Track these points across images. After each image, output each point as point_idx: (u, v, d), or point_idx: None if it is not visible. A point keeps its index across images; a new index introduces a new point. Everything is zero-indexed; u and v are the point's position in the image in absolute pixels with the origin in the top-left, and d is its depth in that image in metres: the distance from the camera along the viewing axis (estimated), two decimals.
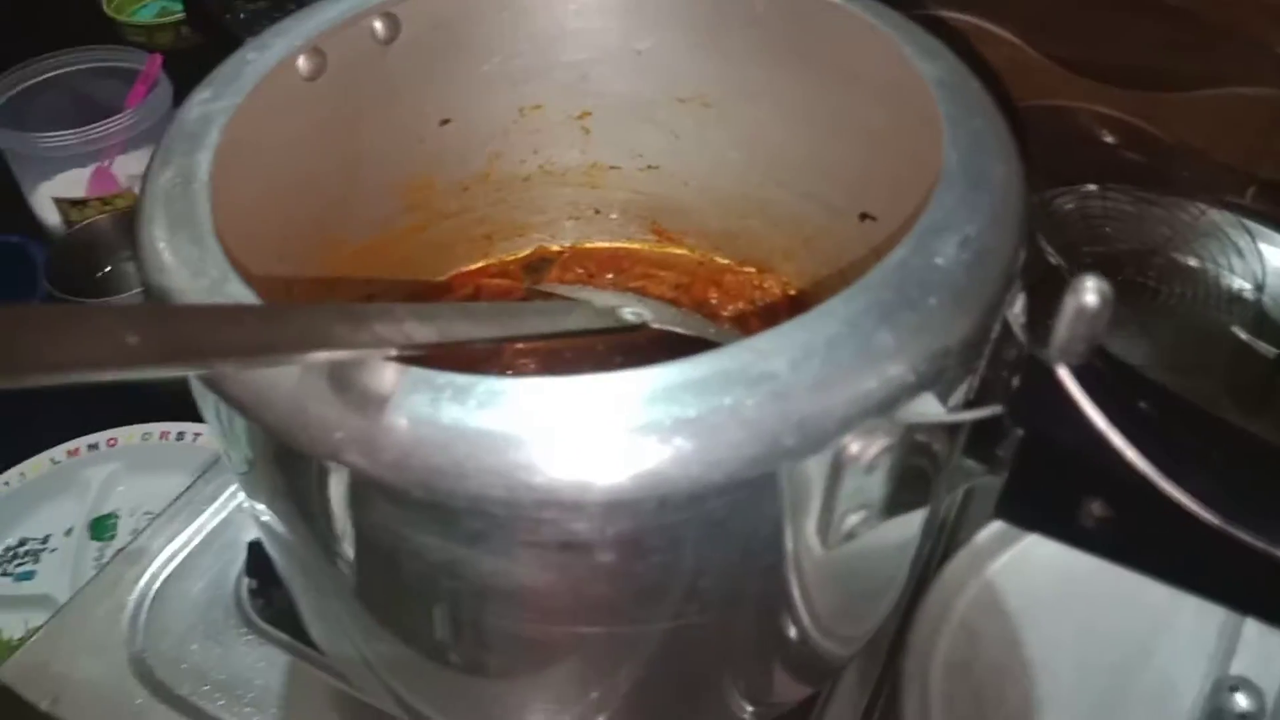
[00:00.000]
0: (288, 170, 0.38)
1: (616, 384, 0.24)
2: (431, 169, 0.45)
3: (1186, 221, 0.68)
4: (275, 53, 0.36)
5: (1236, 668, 0.38)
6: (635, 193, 0.48)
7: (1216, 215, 0.67)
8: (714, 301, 0.47)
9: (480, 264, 0.48)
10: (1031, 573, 0.41)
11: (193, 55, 0.83)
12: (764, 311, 0.47)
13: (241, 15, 0.60)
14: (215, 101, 0.33)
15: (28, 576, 0.58)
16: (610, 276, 0.48)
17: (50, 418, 0.61)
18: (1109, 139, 0.74)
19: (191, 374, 0.26)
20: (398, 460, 0.23)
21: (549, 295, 0.44)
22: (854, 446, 0.24)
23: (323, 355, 0.23)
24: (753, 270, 0.48)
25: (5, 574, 0.58)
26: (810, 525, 0.26)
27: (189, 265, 0.28)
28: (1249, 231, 0.65)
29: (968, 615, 0.40)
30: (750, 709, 0.33)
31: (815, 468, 0.24)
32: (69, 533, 0.59)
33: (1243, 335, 0.61)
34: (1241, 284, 0.64)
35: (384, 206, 0.44)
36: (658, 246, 0.50)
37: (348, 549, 0.28)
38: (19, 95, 0.70)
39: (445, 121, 0.44)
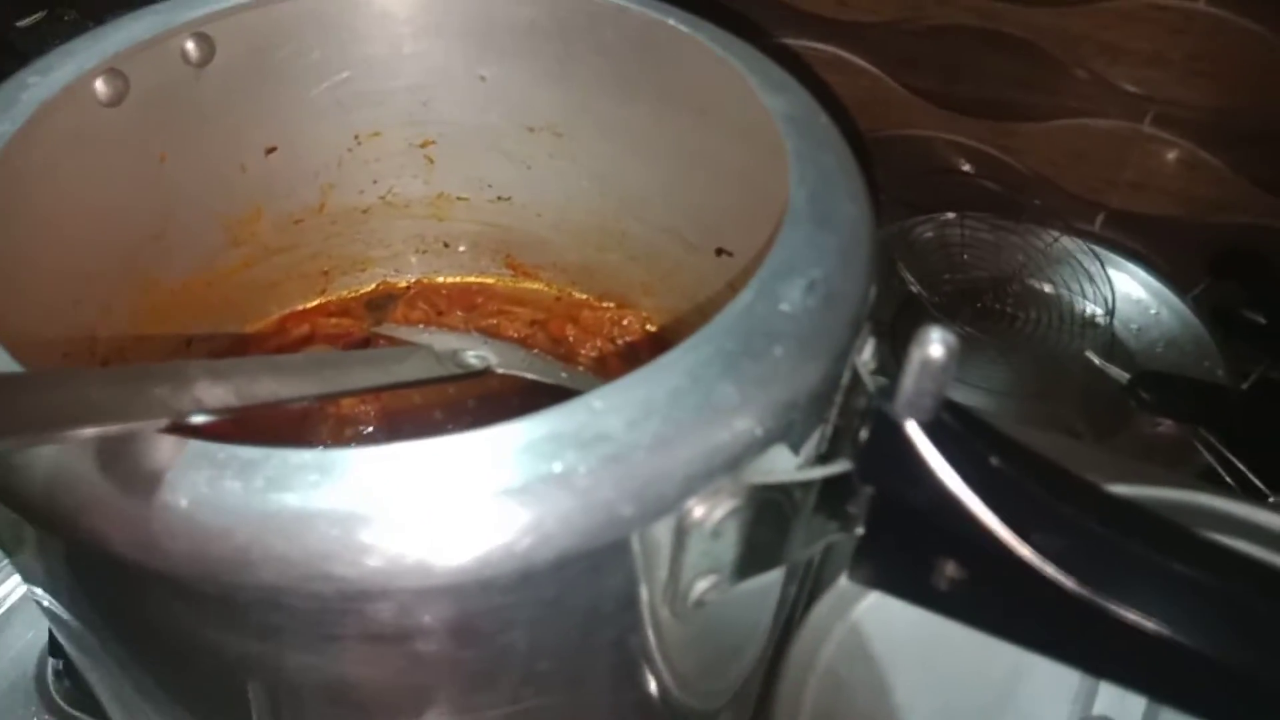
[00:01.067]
0: (88, 204, 0.34)
1: (428, 453, 0.21)
2: (258, 200, 0.41)
3: (1040, 248, 0.69)
4: (62, 76, 0.32)
5: (1099, 707, 0.38)
6: (486, 225, 0.46)
7: (1068, 242, 0.69)
8: (571, 339, 0.45)
9: (316, 302, 0.45)
10: (895, 616, 0.40)
11: None
12: (624, 349, 0.45)
13: (29, 31, 0.55)
14: None
15: None
16: (461, 313, 0.45)
17: None
18: (966, 168, 0.75)
19: None
20: (171, 549, 0.20)
21: (390, 338, 0.41)
22: (697, 511, 0.22)
23: (86, 431, 0.20)
24: (612, 306, 0.46)
25: None
26: (656, 596, 0.24)
27: None
28: (1099, 258, 0.67)
29: (834, 663, 0.39)
30: None
31: (657, 536, 0.22)
32: None
33: (1096, 360, 0.62)
34: (1093, 309, 0.66)
35: (205, 242, 0.40)
36: (512, 281, 0.47)
37: (136, 643, 0.25)
38: None
39: (271, 150, 0.40)
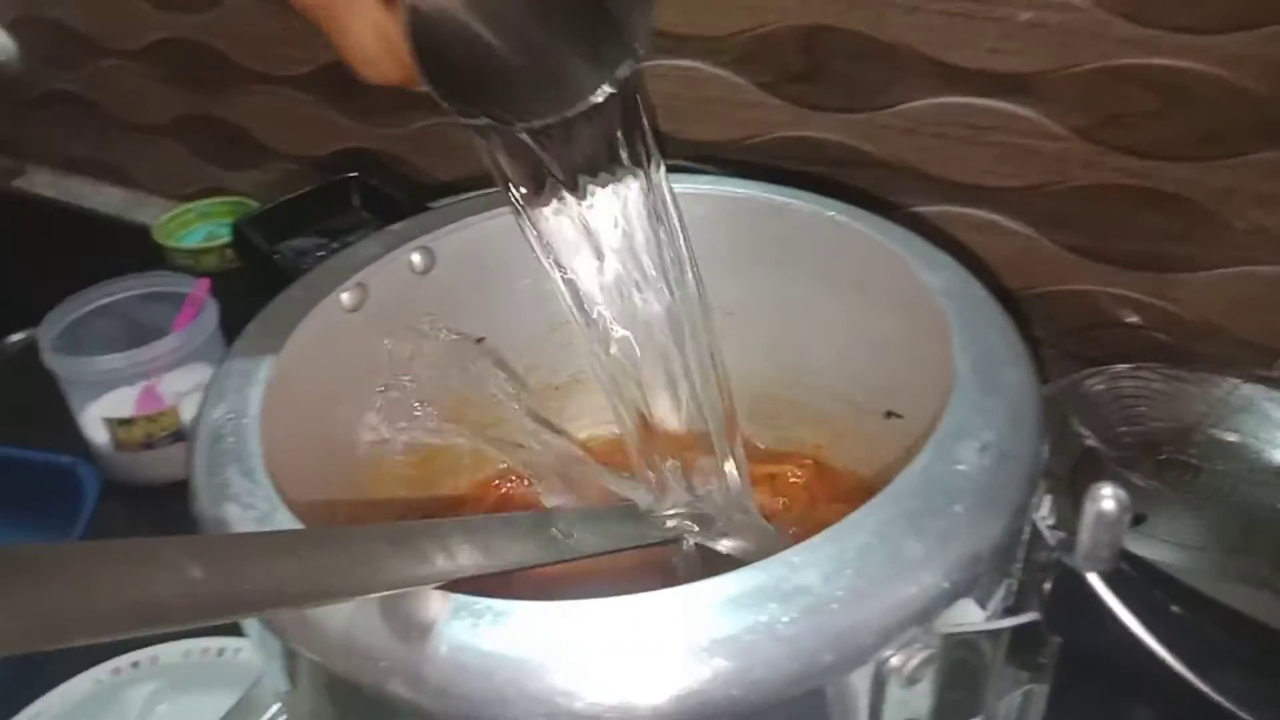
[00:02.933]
0: (329, 398, 0.40)
1: (651, 605, 0.24)
2: (470, 387, 0.46)
3: (1220, 397, 0.68)
4: (321, 290, 0.38)
5: None
6: None
7: (1250, 390, 0.67)
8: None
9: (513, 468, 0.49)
10: None
11: (236, 277, 0.87)
12: (798, 507, 0.47)
13: (287, 253, 0.64)
14: (265, 338, 0.36)
15: None
16: None
17: None
18: (1131, 319, 0.75)
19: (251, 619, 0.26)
20: (440, 689, 0.24)
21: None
22: (894, 659, 0.24)
23: (378, 594, 0.24)
24: (786, 467, 0.49)
25: None
26: None
27: (238, 499, 0.29)
28: None
29: None
30: None
31: (857, 683, 0.24)
32: None
33: None
34: None
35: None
36: None
37: None
38: (73, 323, 0.74)
39: (480, 340, 0.46)
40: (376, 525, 0.25)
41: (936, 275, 0.35)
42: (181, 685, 0.60)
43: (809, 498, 0.47)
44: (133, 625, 0.17)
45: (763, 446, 0.49)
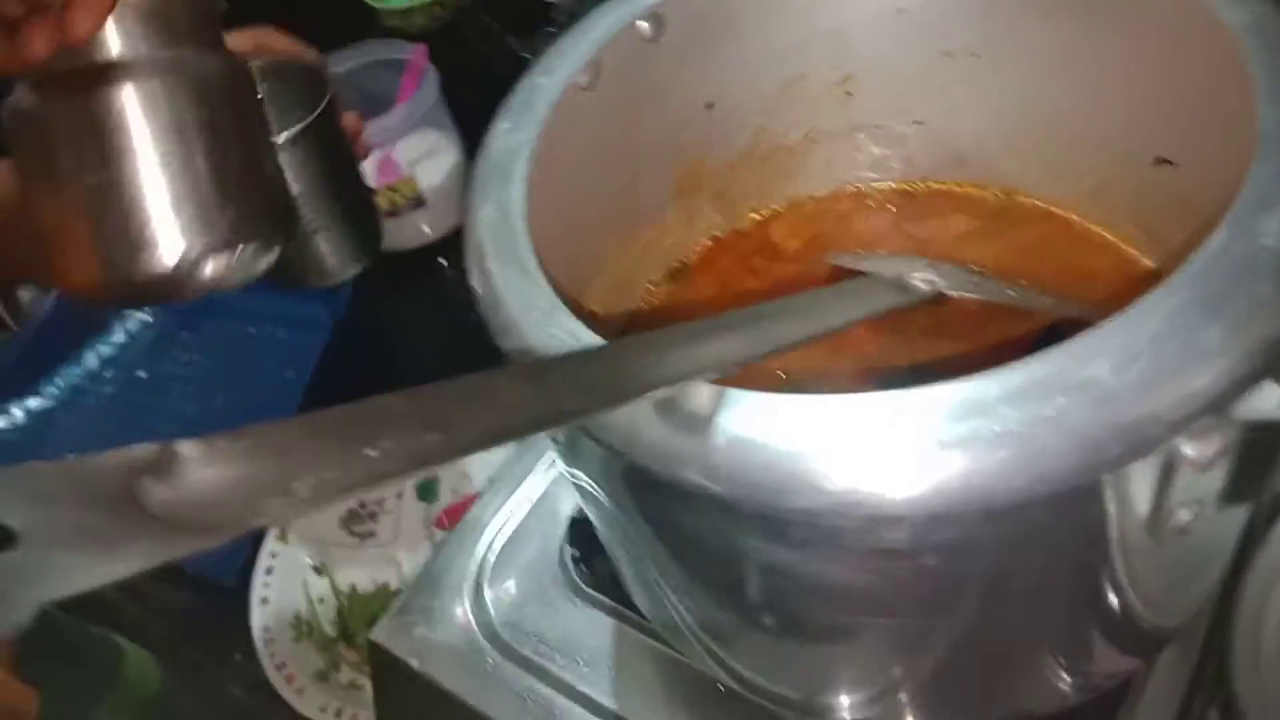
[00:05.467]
0: (577, 182, 0.40)
1: (934, 396, 0.24)
2: (701, 152, 0.46)
3: None
4: (560, 76, 0.38)
5: None
6: (904, 151, 0.48)
7: None
8: (999, 255, 0.45)
9: (751, 234, 0.49)
10: None
11: (448, 35, 0.87)
12: (1059, 265, 0.45)
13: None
14: (517, 133, 0.36)
15: (369, 535, 0.67)
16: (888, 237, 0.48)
17: None
18: None
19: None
20: (729, 477, 0.25)
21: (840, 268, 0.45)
22: (1186, 448, 0.23)
23: (662, 392, 0.25)
24: (1039, 222, 0.46)
25: (351, 533, 0.67)
26: (1137, 525, 0.26)
27: (520, 299, 0.31)
28: None
29: None
30: (1071, 682, 0.33)
31: (1144, 471, 0.24)
32: (399, 495, 0.67)
33: None
34: None
35: (658, 197, 0.46)
36: (932, 203, 0.49)
37: (677, 547, 0.31)
38: None
39: (710, 105, 0.45)
40: (650, 333, 0.26)
41: (1237, 9, 0.30)
42: None
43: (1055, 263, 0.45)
44: (484, 446, 0.20)
45: (1007, 199, 0.47)
